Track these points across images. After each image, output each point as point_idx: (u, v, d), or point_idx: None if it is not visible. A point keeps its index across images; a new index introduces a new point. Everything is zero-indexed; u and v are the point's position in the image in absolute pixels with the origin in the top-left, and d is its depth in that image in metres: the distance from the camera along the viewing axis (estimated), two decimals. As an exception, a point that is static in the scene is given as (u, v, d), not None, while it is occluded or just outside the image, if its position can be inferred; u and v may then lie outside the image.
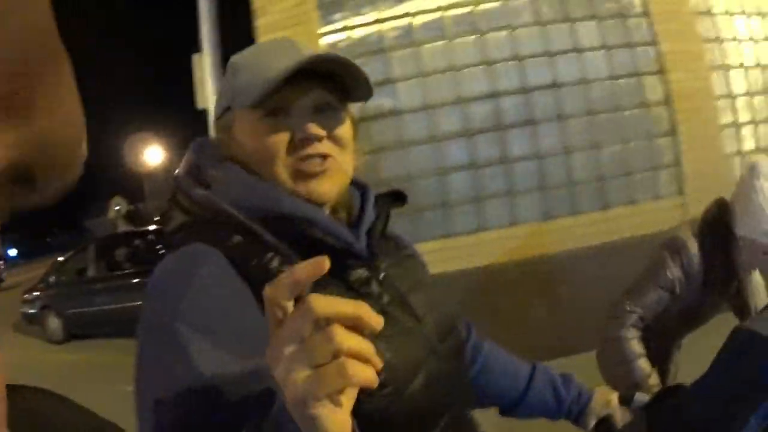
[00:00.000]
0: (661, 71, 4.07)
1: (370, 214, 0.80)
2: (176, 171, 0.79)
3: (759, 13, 4.48)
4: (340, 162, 0.75)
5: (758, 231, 1.62)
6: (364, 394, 0.45)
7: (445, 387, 0.77)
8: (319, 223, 0.71)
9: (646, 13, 4.07)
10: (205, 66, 4.19)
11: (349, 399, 0.43)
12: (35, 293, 8.15)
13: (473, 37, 3.97)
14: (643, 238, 3.62)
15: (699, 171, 4.01)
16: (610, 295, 1.83)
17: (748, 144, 4.34)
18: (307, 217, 0.71)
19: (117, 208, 13.58)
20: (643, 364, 1.66)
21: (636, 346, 1.69)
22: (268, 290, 0.43)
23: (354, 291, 0.72)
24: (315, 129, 0.72)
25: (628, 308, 1.73)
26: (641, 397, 1.12)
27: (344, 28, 4.04)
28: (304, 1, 4.03)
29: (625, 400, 1.07)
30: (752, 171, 1.67)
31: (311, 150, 0.72)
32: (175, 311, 0.61)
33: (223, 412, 0.55)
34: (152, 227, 8.50)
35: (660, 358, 1.87)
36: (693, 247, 1.72)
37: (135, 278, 6.64)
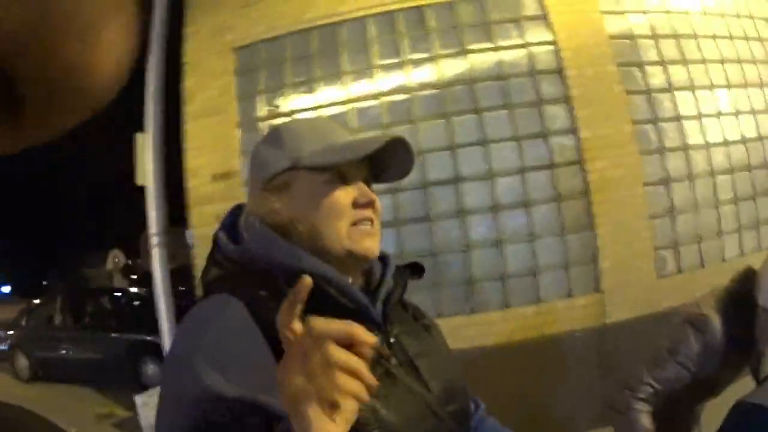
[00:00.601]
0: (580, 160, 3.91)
1: (388, 282, 0.86)
2: (215, 230, 0.87)
3: (703, 87, 4.18)
4: (378, 228, 0.85)
5: None
6: None
7: None
8: (336, 283, 0.77)
9: (566, 99, 3.93)
10: (146, 145, 4.41)
11: (343, 415, 0.51)
12: (9, 332, 8.84)
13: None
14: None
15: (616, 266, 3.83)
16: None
17: (685, 230, 4.08)
18: (325, 276, 0.76)
19: (115, 260, 13.64)
20: None
21: (645, 422, 1.67)
22: (279, 316, 0.54)
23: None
24: (373, 195, 0.84)
25: (645, 380, 1.69)
26: None
27: (257, 119, 4.22)
28: (226, 92, 4.25)
29: None
30: None
31: (368, 213, 0.83)
32: (195, 346, 0.70)
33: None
34: (121, 287, 9.19)
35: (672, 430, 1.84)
36: (716, 323, 1.67)
37: (96, 332, 7.18)
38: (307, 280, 0.53)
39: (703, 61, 4.26)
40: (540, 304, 3.82)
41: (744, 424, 1.05)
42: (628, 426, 1.69)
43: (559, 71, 3.97)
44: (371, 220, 0.83)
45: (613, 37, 4.07)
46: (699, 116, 4.18)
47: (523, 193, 3.89)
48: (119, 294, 8.33)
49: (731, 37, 4.41)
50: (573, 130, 3.92)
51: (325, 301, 0.73)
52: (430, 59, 4.03)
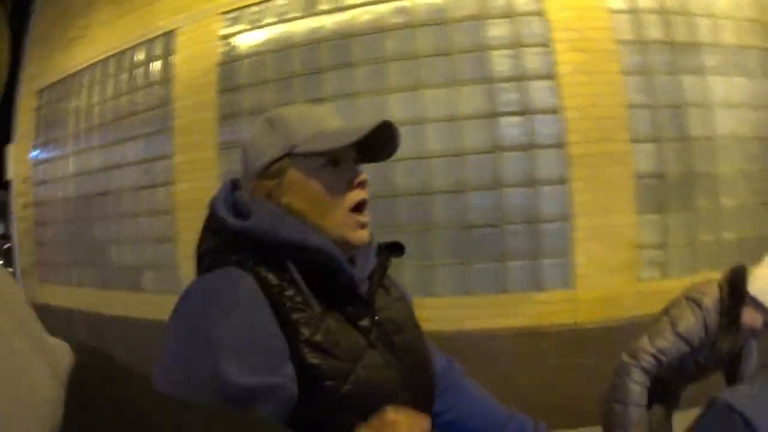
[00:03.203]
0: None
1: (372, 261, 0.92)
2: (212, 200, 0.88)
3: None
4: (368, 214, 0.90)
5: (763, 290, 1.73)
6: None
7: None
8: (338, 261, 0.82)
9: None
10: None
11: None
12: None
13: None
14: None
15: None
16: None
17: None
18: (330, 253, 0.82)
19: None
20: (636, 412, 1.73)
21: (637, 391, 1.75)
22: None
23: (350, 323, 0.83)
24: (364, 175, 0.89)
25: (648, 350, 1.78)
26: None
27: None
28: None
29: None
30: None
31: (363, 193, 0.88)
32: (214, 320, 0.72)
33: None
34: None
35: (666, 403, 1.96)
36: (711, 304, 1.81)
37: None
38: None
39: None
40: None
41: (714, 422, 1.08)
42: (624, 392, 1.77)
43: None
44: (365, 202, 0.88)
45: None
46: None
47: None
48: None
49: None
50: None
51: (325, 275, 0.81)
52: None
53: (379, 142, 0.90)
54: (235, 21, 4.08)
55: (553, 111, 3.73)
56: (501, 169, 3.68)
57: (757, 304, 1.78)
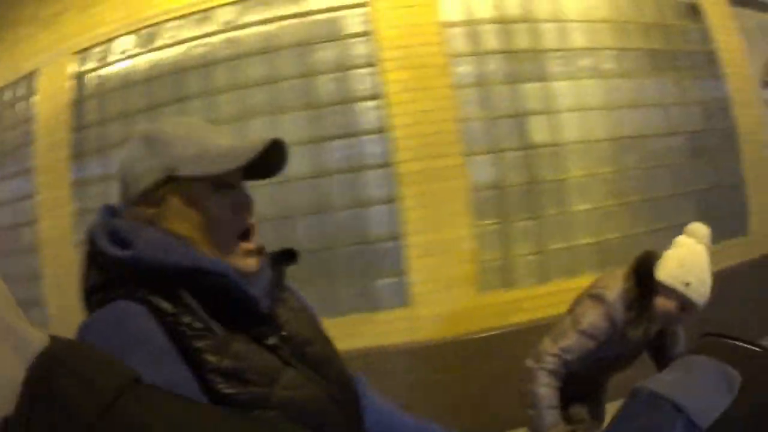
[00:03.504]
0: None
1: (267, 272, 0.86)
2: (89, 230, 0.81)
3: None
4: (257, 237, 0.86)
5: (679, 279, 1.74)
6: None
7: (341, 419, 0.82)
8: (233, 281, 0.77)
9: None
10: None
11: None
12: None
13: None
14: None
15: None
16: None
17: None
18: (223, 274, 0.76)
19: None
20: (550, 414, 1.73)
21: (547, 394, 1.74)
22: None
23: (258, 343, 0.77)
24: (250, 197, 0.86)
25: (551, 351, 1.78)
26: None
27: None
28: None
29: None
30: (686, 231, 1.83)
31: (249, 218, 0.84)
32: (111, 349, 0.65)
33: None
34: None
35: (583, 402, 1.98)
36: (615, 296, 1.81)
37: None
38: None
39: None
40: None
41: (641, 411, 1.05)
42: (532, 398, 1.74)
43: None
44: (251, 228, 0.83)
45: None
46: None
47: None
48: None
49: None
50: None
51: (223, 297, 0.76)
52: None
53: (267, 159, 0.83)
54: (84, 60, 4.20)
55: (380, 131, 3.75)
56: (328, 193, 3.72)
57: (666, 289, 1.76)
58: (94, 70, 4.17)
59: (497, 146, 3.88)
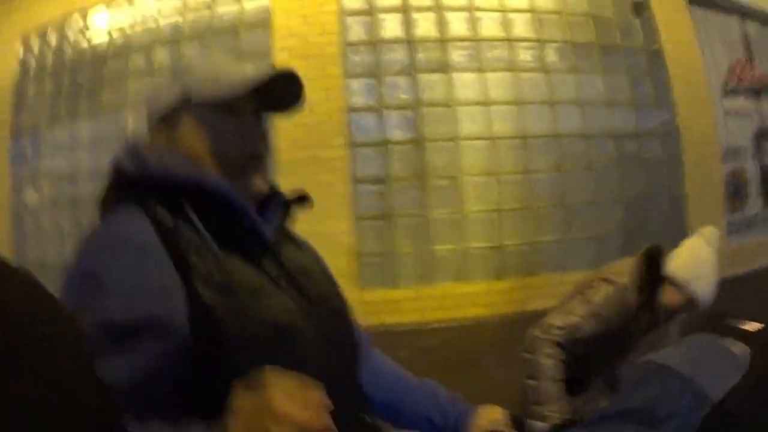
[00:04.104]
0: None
1: (276, 208, 0.88)
2: (114, 156, 0.86)
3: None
4: (270, 166, 0.89)
5: (689, 274, 1.78)
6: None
7: (330, 360, 0.81)
8: (238, 202, 0.80)
9: None
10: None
11: None
12: None
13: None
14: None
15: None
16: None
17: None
18: (228, 197, 0.79)
19: None
20: (551, 387, 1.68)
21: (551, 366, 1.70)
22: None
23: (253, 264, 0.79)
24: (262, 128, 0.87)
25: (556, 324, 1.76)
26: (535, 427, 1.19)
27: None
28: None
29: (516, 423, 1.02)
30: (699, 233, 1.88)
31: (261, 148, 0.85)
32: (102, 261, 0.73)
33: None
34: None
35: (584, 388, 1.93)
36: (626, 279, 1.82)
37: None
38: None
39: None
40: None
41: (647, 383, 1.05)
42: (534, 366, 1.71)
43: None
44: (259, 156, 0.85)
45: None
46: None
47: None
48: None
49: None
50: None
51: (227, 218, 0.79)
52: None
53: (282, 92, 0.86)
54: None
55: (264, 119, 3.76)
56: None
57: (675, 282, 1.78)
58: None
59: (384, 138, 3.76)
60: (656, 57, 4.19)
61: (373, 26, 3.88)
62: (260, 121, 0.87)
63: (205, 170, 0.81)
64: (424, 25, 3.91)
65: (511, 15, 3.98)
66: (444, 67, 3.85)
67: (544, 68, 3.95)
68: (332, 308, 0.89)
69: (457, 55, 3.88)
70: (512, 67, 3.91)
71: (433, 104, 3.82)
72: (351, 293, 3.14)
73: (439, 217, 3.75)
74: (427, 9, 3.92)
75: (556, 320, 1.76)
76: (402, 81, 3.83)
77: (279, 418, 0.56)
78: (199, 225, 0.77)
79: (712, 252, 1.83)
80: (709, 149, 4.22)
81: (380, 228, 3.72)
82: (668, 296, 1.78)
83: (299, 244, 0.96)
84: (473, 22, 3.94)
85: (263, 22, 3.89)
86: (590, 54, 4.06)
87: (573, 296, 1.86)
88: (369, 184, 3.73)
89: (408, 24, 3.90)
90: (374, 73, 3.83)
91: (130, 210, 0.78)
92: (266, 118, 0.88)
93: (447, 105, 3.82)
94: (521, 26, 3.98)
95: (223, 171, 0.83)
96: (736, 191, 4.58)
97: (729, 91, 4.65)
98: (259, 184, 0.85)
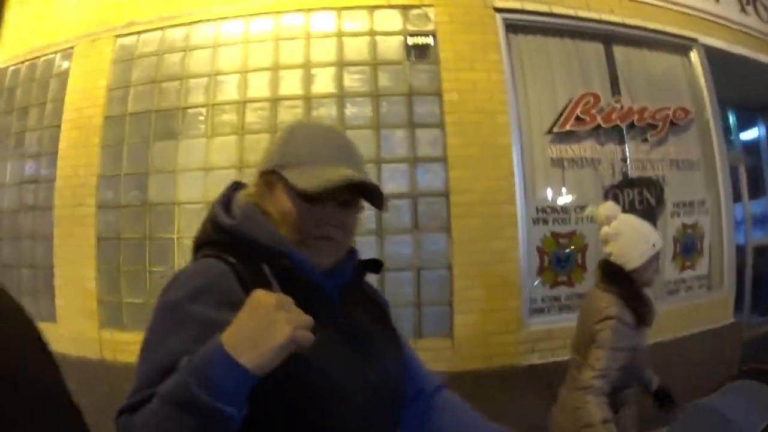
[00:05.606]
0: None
1: (347, 269, 0.98)
2: (215, 200, 0.99)
3: None
4: (344, 246, 0.98)
5: (646, 251, 1.97)
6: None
7: (370, 423, 0.89)
8: (306, 267, 0.91)
9: None
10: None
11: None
12: None
13: None
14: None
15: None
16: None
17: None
18: (300, 262, 0.90)
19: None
20: (606, 428, 1.78)
21: (601, 409, 1.82)
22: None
23: (318, 321, 0.80)
24: (338, 217, 0.95)
25: (593, 375, 1.87)
26: None
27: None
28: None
29: None
30: (608, 219, 2.05)
31: (330, 231, 0.94)
32: (181, 301, 0.83)
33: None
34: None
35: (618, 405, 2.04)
36: (614, 308, 1.96)
37: None
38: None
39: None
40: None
41: (693, 422, 1.11)
42: (587, 417, 1.79)
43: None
44: (329, 238, 0.94)
45: None
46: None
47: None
48: None
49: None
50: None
51: (296, 278, 0.89)
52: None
53: (365, 194, 0.96)
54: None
55: (50, 180, 4.62)
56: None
57: (643, 266, 1.99)
58: None
59: (120, 201, 4.31)
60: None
61: (129, 100, 4.40)
62: (340, 210, 0.94)
63: (285, 241, 0.91)
64: (170, 96, 4.26)
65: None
66: (170, 135, 4.19)
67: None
68: (388, 369, 0.96)
69: (180, 123, 4.16)
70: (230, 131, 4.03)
71: (157, 171, 4.21)
72: (91, 331, 4.50)
73: (156, 272, 4.18)
74: (175, 79, 4.26)
75: (590, 374, 1.86)
76: (140, 149, 4.30)
77: None
78: (275, 283, 0.85)
79: (623, 216, 2.04)
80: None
81: (114, 278, 4.31)
82: (645, 278, 1.98)
83: (372, 304, 1.05)
84: (211, 89, 4.16)
85: (59, 98, 4.69)
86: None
87: (587, 347, 1.95)
88: (108, 239, 4.34)
89: (160, 94, 4.31)
90: (119, 142, 4.37)
91: (215, 258, 0.89)
92: (353, 207, 0.96)
93: (165, 172, 4.19)
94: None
95: (299, 237, 0.92)
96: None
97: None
98: (323, 262, 0.93)
